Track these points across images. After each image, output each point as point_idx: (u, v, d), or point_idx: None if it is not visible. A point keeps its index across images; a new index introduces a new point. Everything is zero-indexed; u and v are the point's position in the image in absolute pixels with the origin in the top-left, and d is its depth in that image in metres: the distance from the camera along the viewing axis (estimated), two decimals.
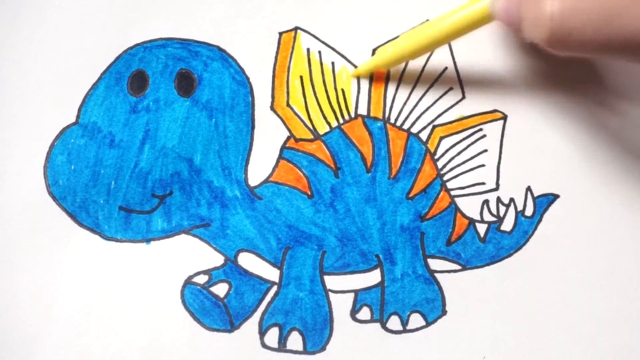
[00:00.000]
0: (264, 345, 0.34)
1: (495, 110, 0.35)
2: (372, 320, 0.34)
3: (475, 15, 0.30)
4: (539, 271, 0.35)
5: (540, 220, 0.35)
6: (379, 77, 0.35)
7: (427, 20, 0.34)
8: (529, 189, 0.35)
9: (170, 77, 0.34)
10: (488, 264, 0.35)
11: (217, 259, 0.34)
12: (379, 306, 0.34)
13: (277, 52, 0.35)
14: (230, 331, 0.34)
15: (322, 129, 0.34)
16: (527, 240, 0.35)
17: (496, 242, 0.35)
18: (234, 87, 0.34)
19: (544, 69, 0.35)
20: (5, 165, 0.33)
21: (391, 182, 0.34)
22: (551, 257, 0.35)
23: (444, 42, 0.32)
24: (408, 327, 0.34)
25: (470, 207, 0.35)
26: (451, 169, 0.35)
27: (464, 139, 0.35)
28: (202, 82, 0.34)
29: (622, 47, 0.26)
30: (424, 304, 0.34)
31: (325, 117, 0.34)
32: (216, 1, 0.35)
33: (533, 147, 0.35)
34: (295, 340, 0.34)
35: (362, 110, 0.35)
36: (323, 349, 0.34)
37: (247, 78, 0.34)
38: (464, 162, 0.35)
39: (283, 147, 0.34)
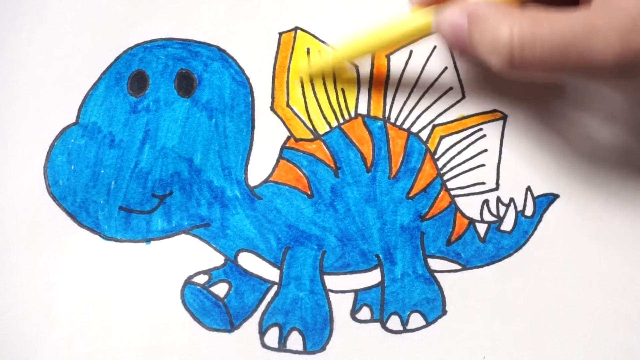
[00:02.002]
0: (264, 345, 0.34)
1: (495, 110, 0.35)
2: (372, 320, 0.34)
3: (416, 27, 0.30)
4: (539, 271, 0.35)
5: (540, 220, 0.35)
6: (379, 77, 0.35)
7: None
8: (529, 188, 0.35)
9: (171, 77, 0.34)
10: (488, 264, 0.35)
11: (217, 259, 0.34)
12: (379, 306, 0.34)
13: (277, 52, 0.35)
14: (230, 331, 0.34)
15: (322, 128, 0.35)
16: (527, 240, 0.35)
17: (496, 242, 0.35)
18: (234, 88, 0.34)
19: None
20: (6, 165, 0.33)
21: (391, 181, 0.34)
22: (551, 257, 0.35)
23: (382, 51, 0.33)
24: (408, 327, 0.34)
25: (470, 206, 0.35)
26: (451, 169, 0.35)
27: (464, 138, 0.35)
28: (202, 83, 0.34)
29: (578, 73, 0.26)
30: (424, 303, 0.34)
31: (325, 117, 0.34)
32: (216, 1, 0.35)
33: (533, 147, 0.35)
34: (295, 340, 0.34)
35: (362, 110, 0.35)
36: (323, 348, 0.34)
37: (247, 78, 0.34)
38: (464, 162, 0.35)
39: (283, 147, 0.34)
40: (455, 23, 0.28)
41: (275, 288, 0.34)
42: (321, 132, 0.35)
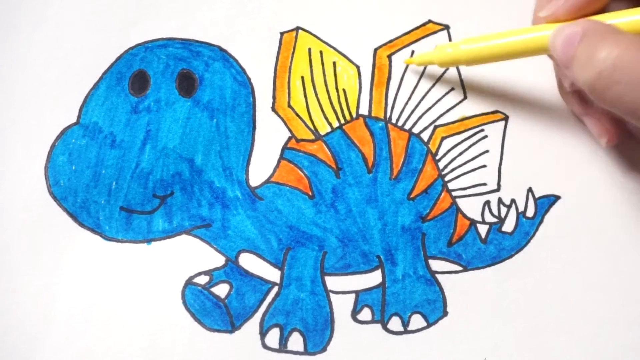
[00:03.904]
0: (265, 346, 0.34)
1: (496, 111, 0.35)
2: (373, 321, 0.34)
3: (534, 43, 0.30)
4: (540, 272, 0.34)
5: (541, 222, 0.35)
6: (380, 78, 0.35)
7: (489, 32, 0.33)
8: (530, 190, 0.35)
9: (172, 77, 0.34)
10: (489, 265, 0.35)
11: (218, 260, 0.34)
12: (379, 307, 0.34)
13: (278, 52, 0.35)
14: (231, 332, 0.34)
15: (324, 129, 0.34)
16: (529, 241, 0.35)
17: (497, 243, 0.35)
18: (235, 88, 0.34)
19: (544, 69, 0.35)
20: (6, 165, 0.33)
21: (392, 182, 0.34)
22: (552, 258, 0.35)
23: (499, 60, 0.32)
24: (409, 328, 0.34)
25: (471, 208, 0.35)
26: (452, 170, 0.35)
27: (465, 139, 0.35)
28: (203, 83, 0.34)
29: None
30: (425, 304, 0.34)
31: (326, 118, 0.34)
32: (217, 1, 0.35)
33: (534, 148, 0.35)
34: (296, 341, 0.34)
35: (364, 111, 0.35)
36: (324, 349, 0.34)
37: (249, 78, 0.34)
38: (465, 163, 0.35)
39: (284, 148, 0.34)
40: (571, 34, 0.27)
41: (276, 289, 0.34)
42: (322, 132, 0.34)
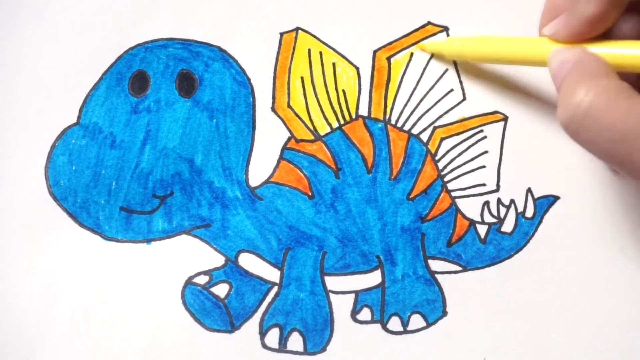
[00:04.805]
0: (265, 346, 0.34)
1: (496, 112, 0.35)
2: (372, 321, 0.34)
3: (537, 57, 0.30)
4: (539, 272, 0.35)
5: (540, 222, 0.35)
6: (379, 79, 0.35)
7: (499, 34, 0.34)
8: (529, 190, 0.35)
9: (172, 77, 0.34)
10: (489, 265, 0.35)
11: (218, 260, 0.34)
12: (379, 307, 0.34)
13: (278, 53, 0.35)
14: (230, 332, 0.34)
15: (323, 129, 0.35)
16: (528, 241, 0.35)
17: (497, 243, 0.35)
18: (235, 88, 0.34)
19: (544, 70, 0.35)
20: (6, 165, 0.33)
21: (392, 183, 0.34)
22: (551, 259, 0.35)
23: (502, 63, 0.33)
24: (408, 328, 0.34)
25: (470, 208, 0.35)
26: (452, 170, 0.35)
27: (464, 140, 0.35)
28: (203, 83, 0.34)
29: (620, 167, 0.25)
30: (424, 304, 0.34)
31: (326, 118, 0.34)
32: (217, 1, 0.35)
33: (534, 148, 0.35)
34: (295, 341, 0.34)
35: (363, 111, 0.35)
36: (323, 349, 0.34)
37: (248, 79, 0.34)
38: (464, 163, 0.35)
39: (284, 148, 0.34)
40: (563, 62, 0.27)
41: (275, 289, 0.34)
42: (322, 133, 0.35)
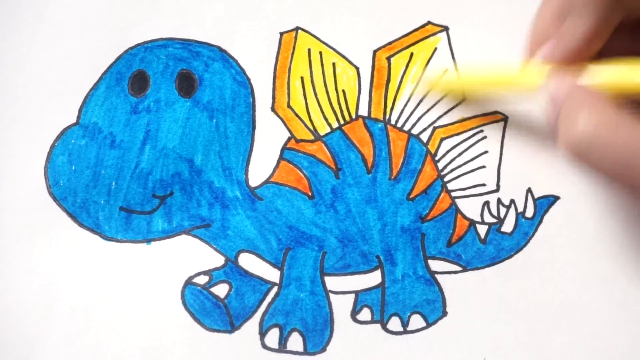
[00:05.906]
0: (265, 346, 0.34)
1: (495, 112, 0.35)
2: (372, 321, 0.34)
3: (527, 81, 0.30)
4: (539, 272, 0.35)
5: (540, 222, 0.35)
6: (379, 79, 0.35)
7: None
8: (529, 190, 0.35)
9: (171, 77, 0.34)
10: (489, 265, 0.35)
11: (218, 260, 0.34)
12: (379, 307, 0.34)
13: (278, 53, 0.35)
14: (230, 332, 0.34)
15: (323, 129, 0.35)
16: (528, 241, 0.35)
17: (497, 243, 0.35)
18: (234, 88, 0.34)
19: (544, 70, 0.35)
20: (6, 165, 0.33)
21: (392, 183, 0.34)
22: (551, 259, 0.35)
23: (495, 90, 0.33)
24: (408, 328, 0.34)
25: (470, 208, 0.35)
26: (452, 170, 0.35)
27: (464, 140, 0.35)
28: (203, 83, 0.34)
29: (627, 189, 0.25)
30: (424, 305, 0.34)
31: (326, 118, 0.34)
32: (217, 1, 0.35)
33: (534, 148, 0.35)
34: (295, 341, 0.34)
35: (363, 111, 0.35)
36: (323, 349, 0.34)
37: (248, 79, 0.34)
38: (464, 164, 0.35)
39: (284, 148, 0.34)
40: (557, 93, 0.27)
41: (275, 289, 0.34)
42: (322, 133, 0.35)
